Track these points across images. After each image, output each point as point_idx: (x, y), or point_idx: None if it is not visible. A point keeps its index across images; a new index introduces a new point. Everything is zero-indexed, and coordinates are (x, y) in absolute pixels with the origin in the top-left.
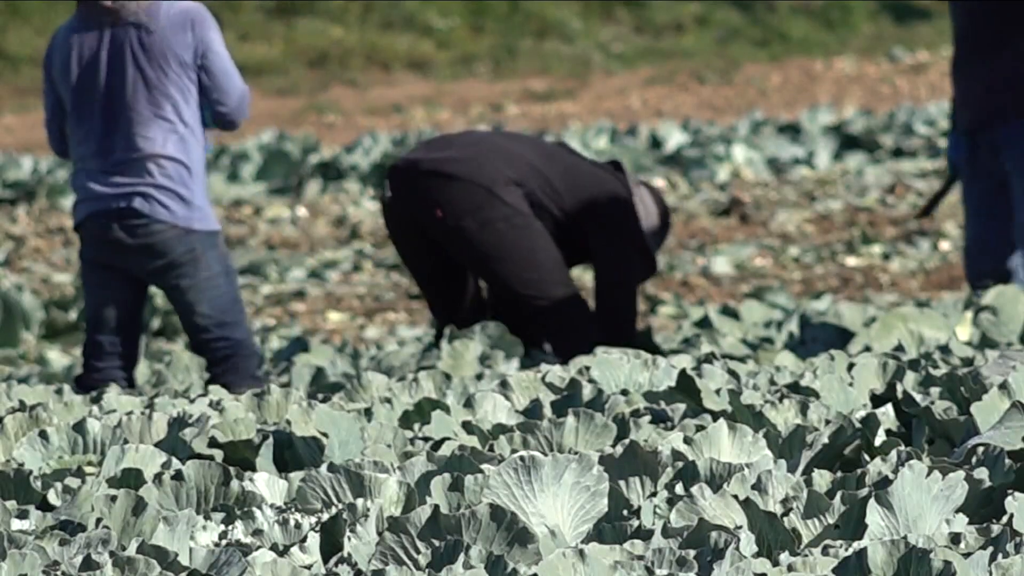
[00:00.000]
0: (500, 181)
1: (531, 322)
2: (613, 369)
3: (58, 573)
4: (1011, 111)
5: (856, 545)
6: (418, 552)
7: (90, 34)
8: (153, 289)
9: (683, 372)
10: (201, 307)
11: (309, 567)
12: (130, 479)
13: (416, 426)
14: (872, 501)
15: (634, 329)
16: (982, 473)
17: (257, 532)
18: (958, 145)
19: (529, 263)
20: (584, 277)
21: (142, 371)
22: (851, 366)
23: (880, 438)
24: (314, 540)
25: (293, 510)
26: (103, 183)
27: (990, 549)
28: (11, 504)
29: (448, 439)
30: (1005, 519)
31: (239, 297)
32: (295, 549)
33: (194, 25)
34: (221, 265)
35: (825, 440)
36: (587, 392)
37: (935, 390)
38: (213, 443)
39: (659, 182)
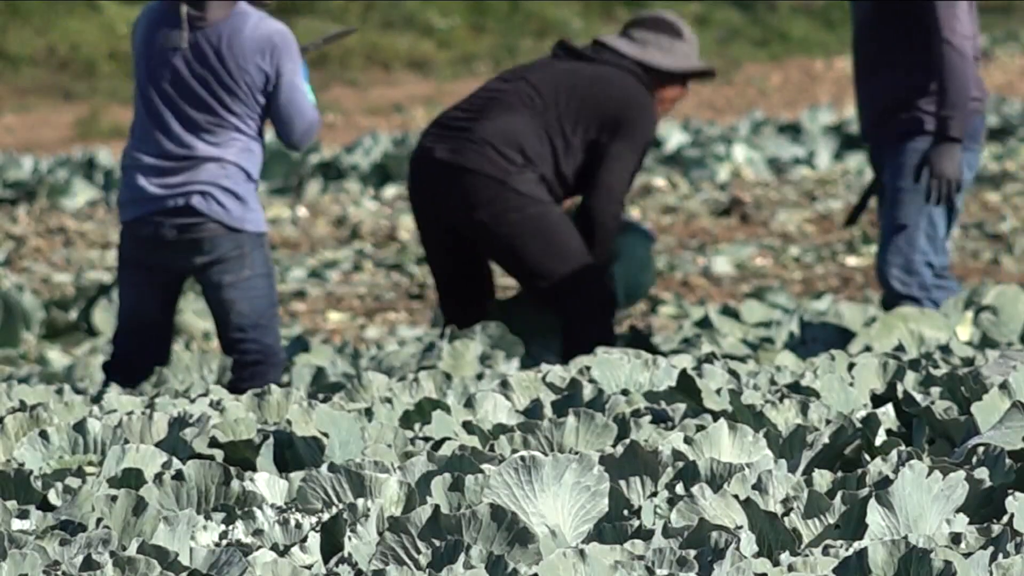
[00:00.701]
0: (511, 169)
1: (553, 310)
2: (614, 369)
3: (58, 573)
4: (891, 130)
5: (856, 545)
6: (418, 552)
7: (177, 30)
8: None
9: (683, 372)
10: (240, 305)
11: (309, 567)
12: (131, 479)
13: (416, 426)
14: (872, 501)
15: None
16: (982, 473)
17: (258, 532)
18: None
19: (546, 253)
20: None
21: None
22: (851, 366)
23: (880, 438)
24: (314, 540)
25: (294, 510)
26: (158, 183)
27: (990, 549)
28: (11, 504)
29: (448, 439)
30: (1005, 519)
31: (276, 303)
32: (296, 549)
33: (273, 51)
34: (265, 267)
35: (825, 440)
36: (588, 392)
37: (935, 390)
38: (214, 443)
39: (660, 182)
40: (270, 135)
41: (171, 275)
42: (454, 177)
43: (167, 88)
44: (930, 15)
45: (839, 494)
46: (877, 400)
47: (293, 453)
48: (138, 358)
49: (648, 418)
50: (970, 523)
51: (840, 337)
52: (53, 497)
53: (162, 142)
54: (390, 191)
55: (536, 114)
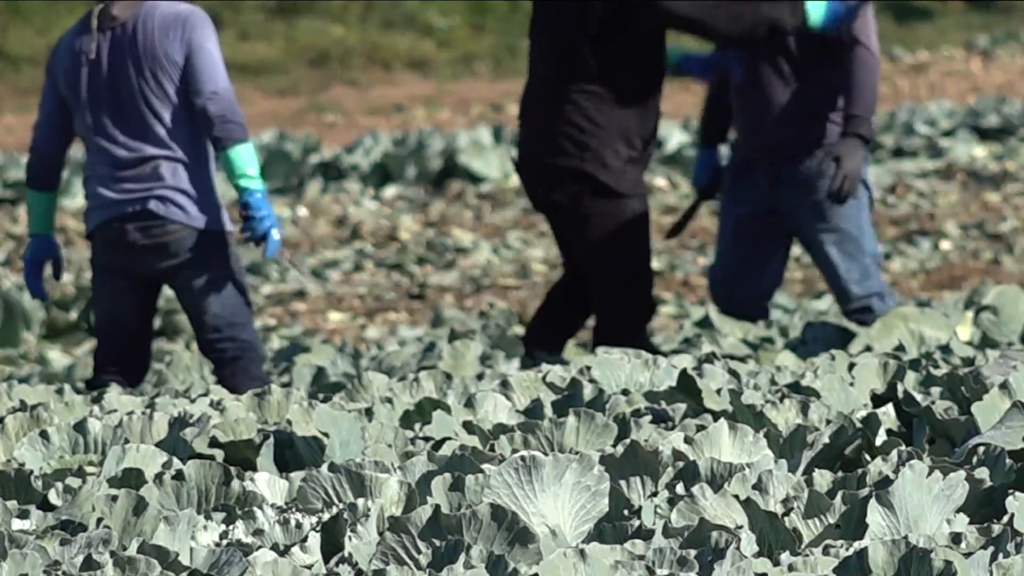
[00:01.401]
0: (599, 161)
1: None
2: (614, 369)
3: (59, 573)
4: (806, 145)
5: (857, 545)
6: (419, 552)
7: (91, 37)
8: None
9: (684, 372)
10: (212, 307)
11: (310, 567)
12: (131, 479)
13: (417, 426)
14: (873, 501)
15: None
16: (983, 473)
17: (258, 532)
18: (708, 164)
19: (617, 258)
20: None
21: None
22: (852, 366)
23: (881, 438)
24: (315, 540)
25: (294, 510)
26: (115, 189)
27: (991, 549)
28: (12, 504)
29: (449, 439)
30: (1006, 519)
31: (249, 299)
32: (296, 549)
33: (184, 25)
34: (232, 266)
35: (826, 440)
36: (588, 392)
37: (936, 390)
38: (214, 443)
39: (660, 182)
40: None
41: (143, 280)
42: (548, 177)
43: (102, 95)
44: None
45: (839, 494)
46: (877, 400)
47: (293, 453)
48: (119, 368)
49: (648, 418)
50: (970, 523)
51: (840, 337)
52: (53, 497)
53: (111, 150)
54: (390, 191)
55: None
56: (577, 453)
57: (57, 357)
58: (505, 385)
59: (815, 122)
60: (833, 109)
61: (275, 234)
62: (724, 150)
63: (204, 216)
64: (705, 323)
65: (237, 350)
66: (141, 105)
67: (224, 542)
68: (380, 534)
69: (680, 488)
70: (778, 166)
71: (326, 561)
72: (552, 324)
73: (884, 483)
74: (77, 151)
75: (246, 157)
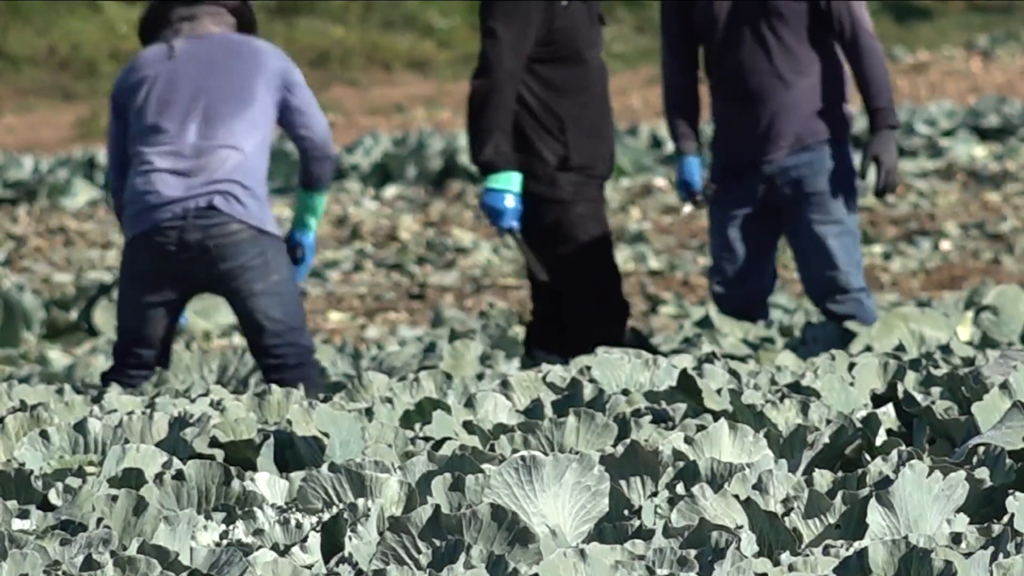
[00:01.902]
0: (529, 171)
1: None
2: (614, 369)
3: (59, 573)
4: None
5: (857, 545)
6: (419, 552)
7: (164, 49)
8: None
9: (684, 372)
10: (273, 312)
11: (310, 567)
12: (131, 479)
13: (417, 426)
14: (873, 501)
15: None
16: (983, 473)
17: (258, 532)
18: (690, 169)
19: (577, 266)
20: None
21: None
22: (852, 366)
23: (881, 438)
24: (315, 540)
25: (294, 510)
26: (173, 188)
27: (991, 549)
28: (12, 504)
29: (449, 439)
30: (1006, 519)
31: (302, 303)
32: (296, 549)
33: (270, 59)
34: (288, 270)
35: (826, 440)
36: (588, 392)
37: (936, 390)
38: (214, 443)
39: (660, 182)
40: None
41: (186, 290)
42: None
43: (179, 95)
44: (844, 13)
45: (839, 494)
46: (877, 400)
47: (293, 453)
48: (140, 369)
49: (648, 418)
50: (970, 523)
51: (841, 337)
52: (53, 497)
53: (178, 144)
54: (390, 191)
55: None
56: (577, 453)
57: (57, 357)
58: (505, 385)
59: (811, 116)
60: (827, 100)
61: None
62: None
63: (263, 219)
64: (705, 323)
65: (298, 356)
66: (225, 105)
67: (224, 542)
68: (380, 534)
69: (680, 488)
70: (775, 165)
71: (326, 561)
72: (550, 327)
73: (884, 483)
74: (77, 151)
75: (323, 207)
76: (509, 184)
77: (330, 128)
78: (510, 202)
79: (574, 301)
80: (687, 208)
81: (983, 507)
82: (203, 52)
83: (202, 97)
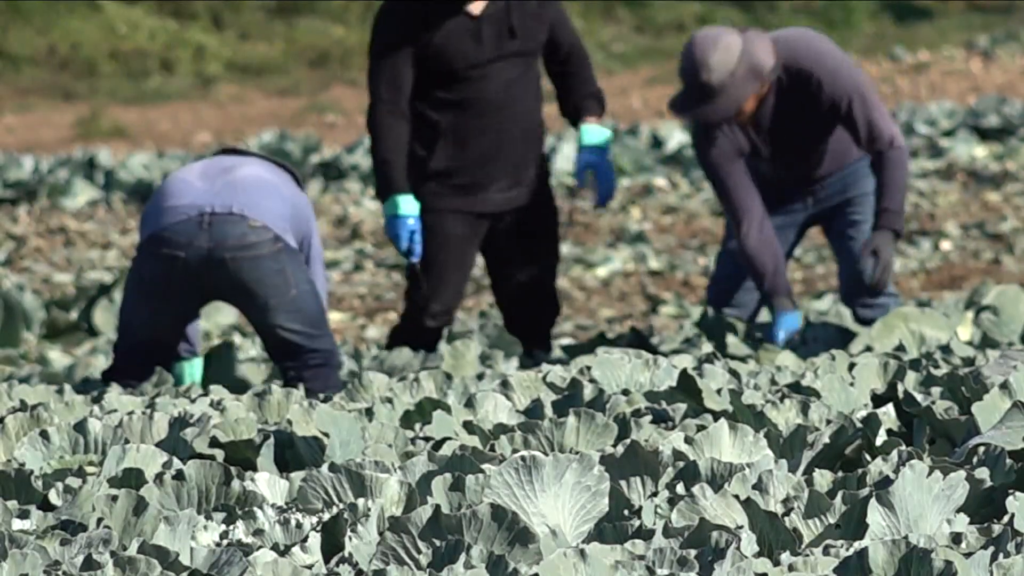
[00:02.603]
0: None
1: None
2: (614, 369)
3: (59, 573)
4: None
5: (857, 545)
6: (419, 552)
7: None
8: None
9: (684, 372)
10: (292, 324)
11: (310, 567)
12: (131, 479)
13: (417, 426)
14: (873, 501)
15: None
16: (983, 473)
17: (258, 532)
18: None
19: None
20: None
21: None
22: (852, 366)
23: (881, 438)
24: (315, 540)
25: (294, 510)
26: (200, 191)
27: (991, 549)
28: (12, 504)
29: (449, 439)
30: (1006, 519)
31: (324, 308)
32: (296, 549)
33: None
34: (307, 280)
35: (826, 440)
36: (588, 392)
37: (936, 390)
38: (214, 443)
39: (660, 182)
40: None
41: (199, 299)
42: None
43: None
44: (863, 125)
45: (840, 494)
46: (878, 400)
47: (294, 453)
48: (142, 371)
49: (649, 418)
50: (971, 523)
51: (841, 337)
52: (54, 497)
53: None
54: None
55: None
56: (577, 453)
57: (57, 357)
58: (505, 385)
59: (846, 151)
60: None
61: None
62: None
63: (286, 227)
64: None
65: (321, 359)
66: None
67: (224, 542)
68: (380, 534)
69: (680, 488)
70: (810, 188)
71: (326, 561)
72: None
73: (884, 483)
74: (77, 151)
75: None
76: (397, 209)
77: None
78: (402, 226)
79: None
80: None
81: (983, 507)
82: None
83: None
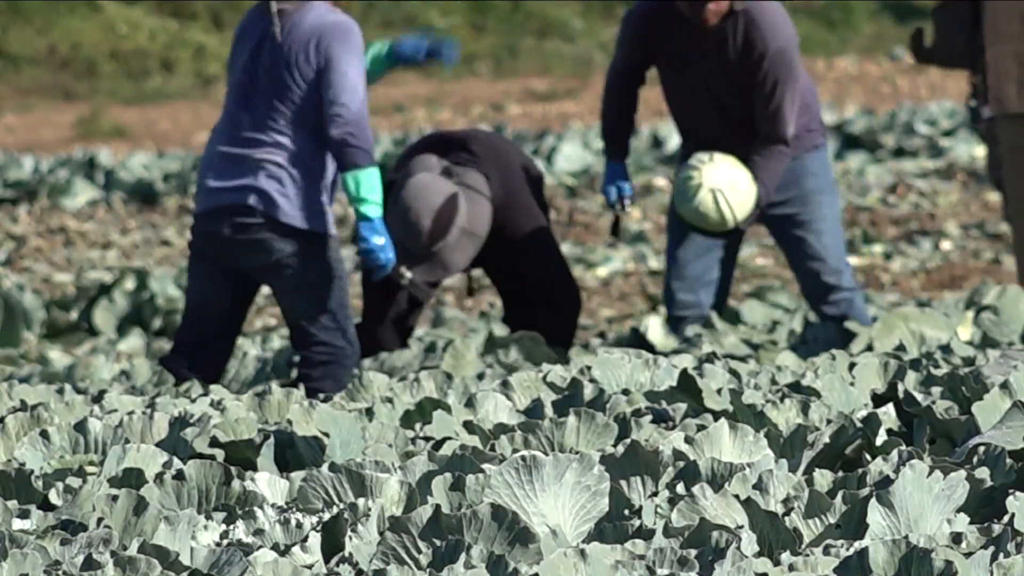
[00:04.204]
0: None
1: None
2: (615, 368)
3: (59, 573)
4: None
5: (857, 545)
6: (419, 552)
7: (253, 25)
8: (155, 288)
9: (684, 372)
10: (307, 309)
11: (310, 567)
12: (131, 479)
13: (417, 426)
14: (873, 501)
15: None
16: (983, 473)
17: (258, 532)
18: (619, 176)
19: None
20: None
21: (143, 371)
22: (852, 366)
23: (881, 438)
24: (315, 540)
25: (294, 510)
26: (219, 177)
27: (991, 549)
28: (12, 504)
29: (449, 439)
30: (1006, 519)
31: (347, 303)
32: (296, 549)
33: (322, 38)
34: (332, 269)
35: (826, 440)
36: (588, 392)
37: (936, 390)
38: (214, 443)
39: (660, 182)
40: None
41: (237, 273)
42: None
43: (243, 82)
44: (775, 111)
45: (840, 494)
46: (878, 400)
47: (294, 453)
48: (200, 353)
49: (649, 418)
50: (971, 523)
51: (841, 337)
52: (54, 497)
53: (232, 136)
54: None
55: None
56: (577, 453)
57: (57, 357)
58: (505, 385)
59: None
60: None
61: (381, 259)
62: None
63: (304, 217)
64: (706, 323)
65: (329, 355)
66: (272, 103)
67: (224, 542)
68: (380, 534)
69: (680, 488)
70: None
71: (326, 561)
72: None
73: (884, 483)
74: (77, 151)
75: (365, 183)
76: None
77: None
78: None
79: None
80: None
81: (983, 507)
82: (269, 36)
83: (258, 91)
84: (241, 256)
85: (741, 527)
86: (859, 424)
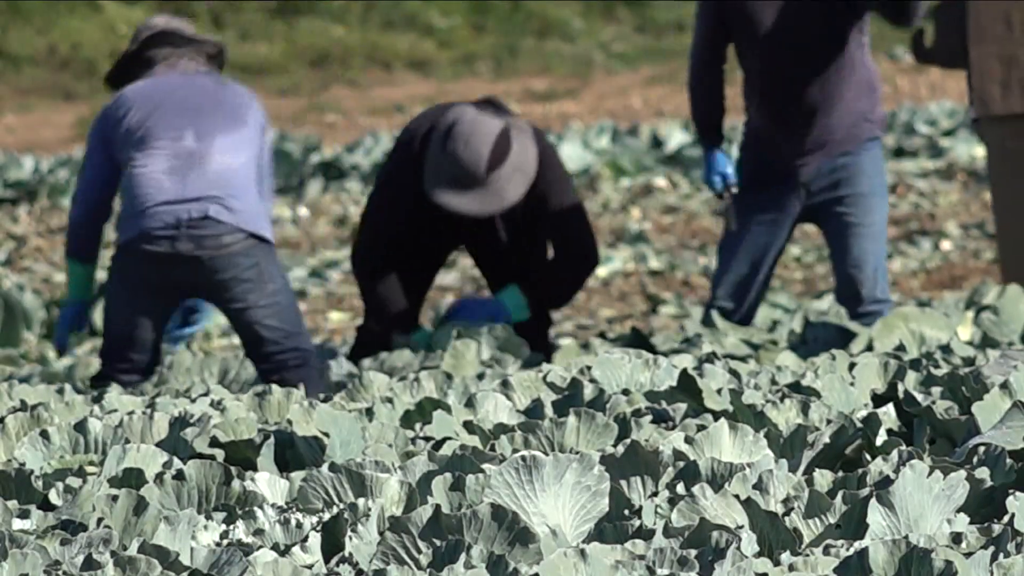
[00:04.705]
0: None
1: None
2: (615, 369)
3: (59, 573)
4: (844, 138)
5: (857, 545)
6: (419, 552)
7: (174, 76)
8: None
9: (684, 372)
10: (270, 321)
11: (310, 567)
12: (131, 479)
13: (417, 426)
14: (873, 501)
15: None
16: (983, 473)
17: (258, 532)
18: (723, 163)
19: None
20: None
21: None
22: (852, 366)
23: (881, 438)
24: (315, 540)
25: (294, 510)
26: (170, 191)
27: (991, 549)
28: (12, 504)
29: (449, 439)
30: (1006, 519)
31: (299, 307)
32: (296, 549)
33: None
34: (282, 277)
35: (826, 440)
36: (588, 392)
37: (936, 390)
38: (214, 443)
39: (661, 182)
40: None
41: (171, 298)
42: None
43: (181, 108)
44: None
45: (840, 494)
46: (878, 400)
47: (294, 453)
48: (129, 370)
49: (649, 418)
50: (971, 523)
51: (841, 337)
52: (54, 497)
53: (175, 154)
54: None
55: None
56: (577, 453)
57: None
58: (506, 385)
59: (853, 123)
60: (866, 105)
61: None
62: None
63: (261, 224)
64: (706, 323)
65: (298, 359)
66: (222, 121)
67: (224, 542)
68: (380, 534)
69: (680, 488)
70: (813, 169)
71: (326, 561)
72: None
73: (884, 483)
74: (77, 151)
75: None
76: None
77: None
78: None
79: None
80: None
81: (983, 507)
82: (193, 82)
83: (196, 115)
84: (193, 273)
85: (741, 527)
86: (859, 424)
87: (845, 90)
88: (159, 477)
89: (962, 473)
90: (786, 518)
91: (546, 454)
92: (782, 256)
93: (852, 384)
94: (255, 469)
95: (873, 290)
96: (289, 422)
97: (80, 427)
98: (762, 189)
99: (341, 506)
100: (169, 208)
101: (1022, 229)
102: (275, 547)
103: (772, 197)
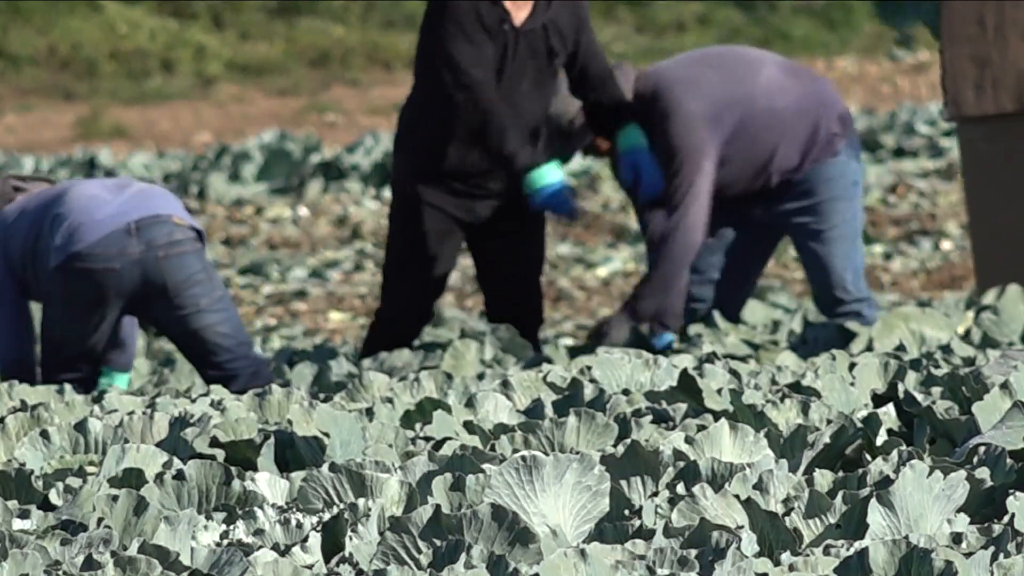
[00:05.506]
0: None
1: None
2: (615, 369)
3: (59, 573)
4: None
5: (857, 545)
6: (419, 552)
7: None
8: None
9: (684, 372)
10: (222, 327)
11: (311, 567)
12: (131, 479)
13: (417, 426)
14: (873, 501)
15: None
16: (983, 473)
17: (258, 532)
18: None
19: None
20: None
21: (143, 370)
22: (852, 366)
23: (881, 438)
24: (315, 540)
25: (294, 510)
26: (117, 202)
27: (991, 549)
28: (12, 504)
29: (449, 439)
30: (1006, 519)
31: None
32: (296, 549)
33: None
34: (221, 286)
35: (826, 440)
36: (589, 392)
37: (936, 390)
38: (214, 443)
39: None
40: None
41: (128, 308)
42: None
43: None
44: None
45: (840, 494)
46: (878, 400)
47: (294, 453)
48: (77, 383)
49: (649, 418)
50: (971, 523)
51: (841, 337)
52: (54, 497)
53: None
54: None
55: None
56: (578, 453)
57: None
58: (506, 385)
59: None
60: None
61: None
62: None
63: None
64: (706, 322)
65: (252, 365)
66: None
67: (225, 542)
68: (381, 534)
69: (681, 488)
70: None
71: (327, 561)
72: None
73: (885, 483)
74: (77, 151)
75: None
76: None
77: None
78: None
79: None
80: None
81: (983, 507)
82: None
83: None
84: (140, 282)
85: (741, 527)
86: (859, 424)
87: (793, 121)
88: (159, 477)
89: (962, 473)
90: (786, 518)
91: (546, 454)
92: (764, 263)
93: (852, 384)
94: (255, 469)
95: (846, 291)
96: (289, 422)
97: (80, 427)
98: (726, 207)
99: (341, 506)
100: (115, 215)
101: (996, 231)
102: (275, 547)
103: (735, 213)
